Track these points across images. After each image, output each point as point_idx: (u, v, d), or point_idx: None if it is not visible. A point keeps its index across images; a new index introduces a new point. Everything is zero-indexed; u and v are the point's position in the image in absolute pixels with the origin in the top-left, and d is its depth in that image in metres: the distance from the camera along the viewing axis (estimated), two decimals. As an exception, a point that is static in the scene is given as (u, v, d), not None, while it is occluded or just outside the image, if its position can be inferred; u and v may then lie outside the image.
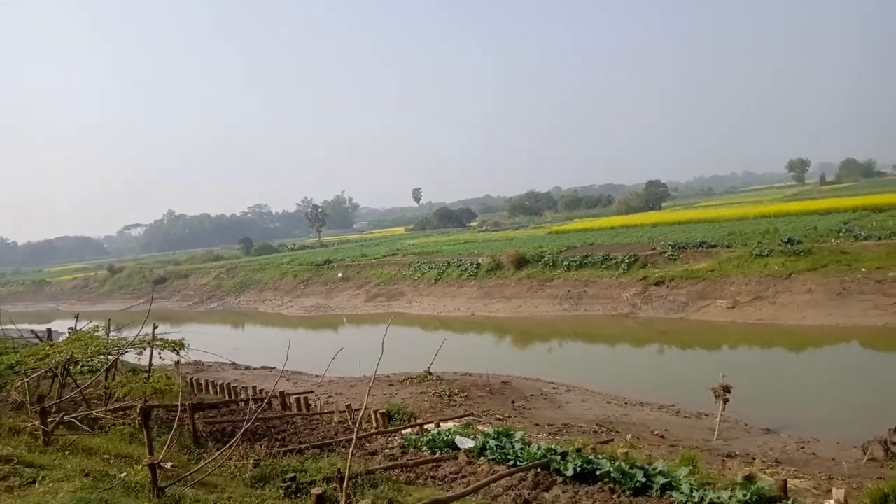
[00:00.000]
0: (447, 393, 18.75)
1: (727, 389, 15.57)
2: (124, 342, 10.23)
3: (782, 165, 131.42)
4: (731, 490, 7.41)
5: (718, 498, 7.29)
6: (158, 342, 9.92)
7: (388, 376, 21.97)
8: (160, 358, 11.24)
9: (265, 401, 14.66)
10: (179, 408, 8.73)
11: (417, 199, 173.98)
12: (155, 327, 10.30)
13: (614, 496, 7.87)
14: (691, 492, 7.49)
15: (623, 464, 8.25)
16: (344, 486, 6.75)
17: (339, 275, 51.61)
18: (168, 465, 6.85)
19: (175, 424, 7.91)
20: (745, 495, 7.26)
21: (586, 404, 18.54)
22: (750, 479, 7.80)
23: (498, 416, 16.10)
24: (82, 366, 12.70)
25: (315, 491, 7.08)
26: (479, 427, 13.15)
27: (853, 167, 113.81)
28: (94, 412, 9.05)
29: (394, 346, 30.74)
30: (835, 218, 41.86)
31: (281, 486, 7.43)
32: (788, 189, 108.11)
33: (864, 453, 13.08)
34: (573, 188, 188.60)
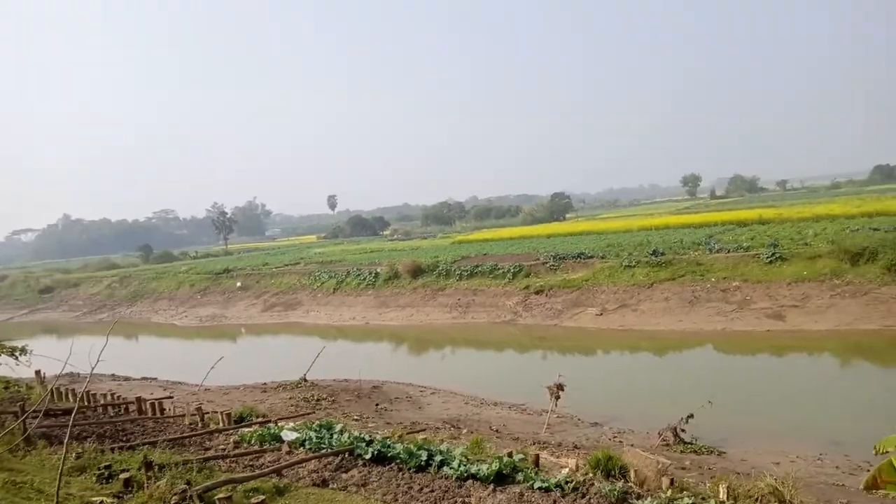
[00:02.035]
0: (315, 398, 19.88)
1: (560, 388, 17.56)
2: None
3: (684, 180, 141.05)
4: (490, 463, 9.09)
5: (478, 469, 8.95)
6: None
7: (265, 384, 22.85)
8: (15, 365, 11.81)
9: (122, 406, 15.35)
10: (21, 409, 9.53)
11: (333, 206, 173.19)
12: (-5, 336, 10.90)
13: (400, 473, 9.37)
14: (459, 466, 9.11)
15: (412, 447, 9.78)
16: (146, 472, 7.93)
17: (238, 284, 51.43)
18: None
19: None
20: (498, 465, 8.96)
21: (446, 405, 20.18)
22: (509, 454, 9.53)
23: (356, 418, 17.40)
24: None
25: (123, 476, 8.22)
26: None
27: (739, 183, 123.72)
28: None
29: (284, 355, 31.60)
30: (703, 231, 46.09)
31: (95, 474, 8.44)
32: (682, 203, 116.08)
33: (661, 439, 15.37)
34: (488, 198, 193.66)
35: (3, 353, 10.64)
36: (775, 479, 8.13)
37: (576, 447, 14.45)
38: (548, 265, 38.14)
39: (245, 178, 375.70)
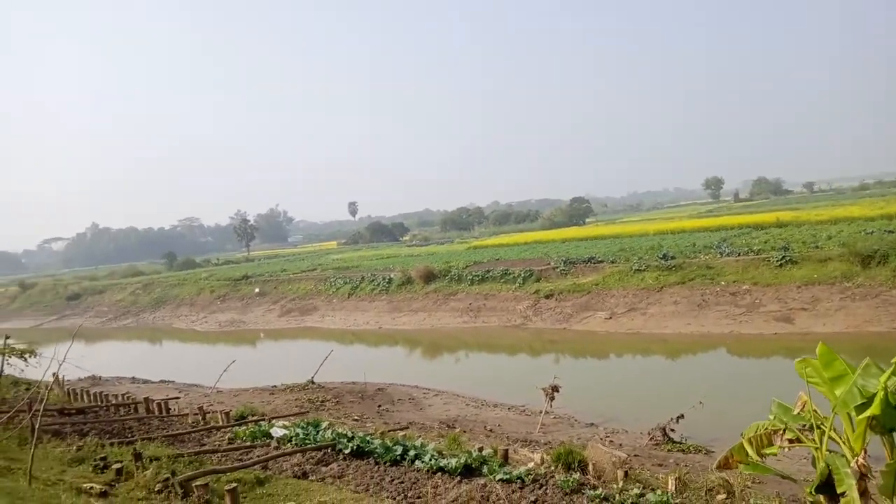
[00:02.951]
0: (319, 399, 20.57)
1: (556, 389, 18.01)
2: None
3: (706, 183, 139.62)
4: (459, 457, 9.63)
5: (447, 462, 9.50)
6: (7, 350, 11.43)
7: (275, 386, 23.61)
8: (25, 367, 12.72)
9: (132, 406, 16.22)
10: (28, 407, 10.37)
11: (353, 212, 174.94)
12: (7, 337, 11.80)
13: (377, 466, 9.98)
14: (430, 460, 9.68)
15: (389, 442, 10.38)
16: (136, 463, 8.67)
17: (256, 290, 52.62)
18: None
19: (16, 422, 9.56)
20: (467, 458, 9.51)
21: (447, 406, 20.73)
22: (479, 450, 10.07)
23: (356, 418, 18.04)
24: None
25: (115, 466, 8.96)
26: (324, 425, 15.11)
27: (764, 185, 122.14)
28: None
29: (297, 358, 32.32)
30: (719, 235, 45.91)
31: (92, 465, 9.20)
32: (704, 206, 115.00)
33: (650, 438, 15.73)
34: (509, 203, 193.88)
35: (13, 355, 11.46)
36: (727, 473, 8.53)
37: (561, 445, 14.89)
38: (558, 270, 38.47)
39: (269, 186, 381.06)
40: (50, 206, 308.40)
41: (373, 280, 46.07)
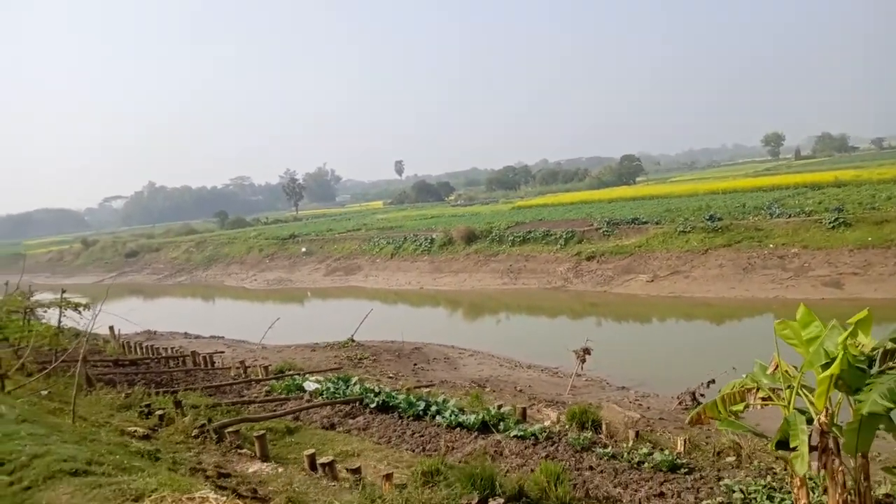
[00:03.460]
0: (357, 357, 21.40)
1: (587, 352, 18.29)
2: (35, 302, 12.71)
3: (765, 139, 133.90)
4: (478, 413, 10.10)
5: (465, 419, 9.98)
6: (64, 303, 12.39)
7: (317, 343, 24.61)
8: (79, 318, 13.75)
9: (180, 359, 17.30)
10: (83, 358, 11.30)
11: (400, 171, 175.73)
12: (63, 291, 12.76)
13: (400, 420, 10.57)
14: (450, 416, 10.18)
15: (412, 398, 10.92)
16: (176, 410, 9.41)
17: (303, 249, 54.06)
18: (44, 392, 9.45)
19: (65, 369, 10.48)
20: (486, 414, 9.97)
21: (481, 366, 21.26)
22: (498, 407, 10.50)
23: (390, 375, 18.76)
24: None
25: (158, 412, 9.76)
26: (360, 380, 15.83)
27: (828, 141, 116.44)
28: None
29: (341, 316, 33.25)
30: (772, 195, 44.46)
31: (137, 411, 10.04)
32: (763, 164, 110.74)
33: (679, 402, 15.88)
34: (558, 161, 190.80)
35: (68, 307, 12.41)
36: (737, 436, 8.71)
37: (577, 405, 15.21)
38: (601, 231, 38.17)
39: (317, 144, 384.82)
40: (110, 165, 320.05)
41: (415, 240, 46.67)
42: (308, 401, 11.81)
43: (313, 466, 7.49)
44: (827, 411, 4.35)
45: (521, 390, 17.40)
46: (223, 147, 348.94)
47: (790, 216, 33.15)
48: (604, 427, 9.45)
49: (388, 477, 6.61)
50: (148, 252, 70.35)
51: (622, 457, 8.25)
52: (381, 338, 25.81)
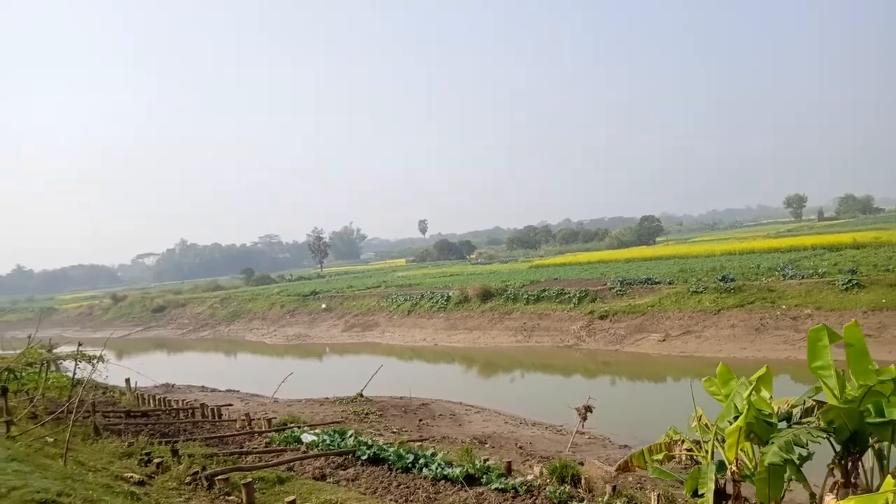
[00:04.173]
0: (364, 412, 21.59)
1: (589, 409, 18.27)
2: (53, 355, 13.38)
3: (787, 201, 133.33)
4: (464, 466, 10.29)
5: (451, 471, 10.18)
6: (79, 356, 13.02)
7: (326, 398, 24.89)
8: (92, 371, 14.40)
9: (189, 411, 17.73)
10: (92, 408, 11.85)
11: (423, 230, 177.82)
12: (80, 344, 13.41)
13: (389, 472, 10.79)
14: (436, 468, 10.39)
15: (402, 451, 11.16)
16: (173, 458, 9.82)
17: (323, 305, 54.81)
18: (50, 440, 9.94)
19: (74, 418, 10.98)
20: (471, 467, 10.17)
21: (486, 423, 21.27)
22: (486, 461, 10.68)
23: (394, 430, 18.88)
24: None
25: (156, 459, 10.17)
26: (363, 436, 16.05)
27: (851, 203, 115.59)
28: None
29: (354, 372, 33.60)
30: (789, 256, 44.24)
31: (138, 459, 10.46)
32: (785, 225, 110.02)
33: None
34: (580, 221, 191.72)
35: (82, 360, 13.04)
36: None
37: (559, 459, 15.17)
38: (614, 290, 38.25)
39: (345, 205, 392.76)
40: (144, 224, 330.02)
41: (431, 297, 47.14)
42: (304, 452, 12.10)
43: (293, 513, 7.79)
44: (738, 462, 4.62)
45: (521, 447, 17.40)
46: (254, 209, 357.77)
47: (803, 277, 32.98)
48: (583, 481, 9.58)
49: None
50: (174, 307, 71.82)
51: (596, 511, 8.38)
52: (392, 393, 25.97)
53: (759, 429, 4.60)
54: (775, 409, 4.99)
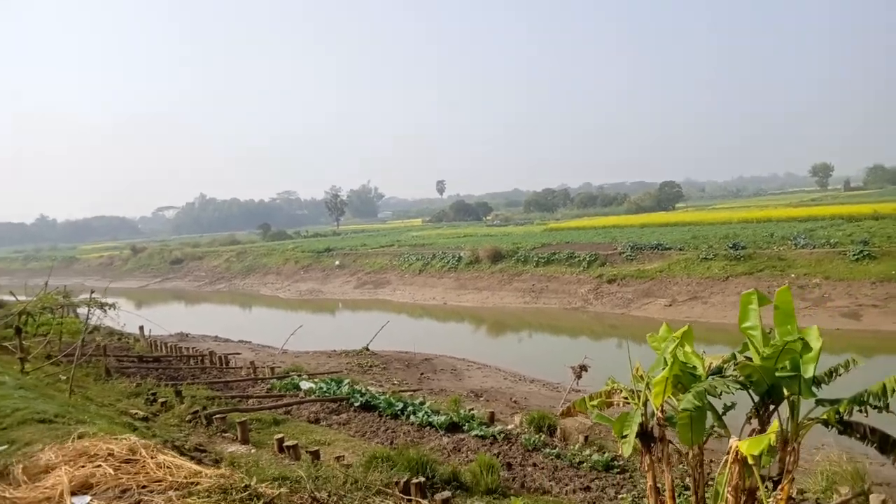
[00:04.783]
0: (368, 364, 22.43)
1: (584, 368, 18.78)
2: (69, 301, 14.15)
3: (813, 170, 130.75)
4: (449, 415, 10.93)
5: (436, 419, 10.83)
6: (93, 303, 13.78)
7: (334, 350, 25.77)
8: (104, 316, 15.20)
9: (199, 358, 18.59)
10: (104, 351, 12.61)
11: (441, 191, 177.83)
12: (92, 292, 14.16)
13: (379, 418, 11.48)
14: (423, 416, 11.04)
15: (392, 399, 11.82)
16: (176, 398, 10.53)
17: (336, 262, 55.70)
18: (63, 377, 10.71)
19: (84, 359, 11.76)
20: (456, 416, 10.80)
21: (485, 378, 21.98)
22: (470, 410, 11.31)
23: (395, 382, 19.67)
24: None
25: (161, 399, 10.91)
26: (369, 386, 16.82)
27: (880, 173, 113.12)
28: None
29: (365, 327, 34.43)
30: (805, 226, 43.89)
31: (145, 398, 11.23)
32: (810, 194, 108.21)
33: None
34: (601, 185, 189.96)
35: (95, 307, 13.77)
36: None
37: (538, 410, 15.80)
38: (625, 255, 38.45)
39: (366, 164, 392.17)
40: (167, 174, 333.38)
41: (443, 258, 47.69)
42: (301, 398, 12.83)
43: (281, 449, 8.45)
44: (662, 409, 5.11)
45: (515, 401, 18.08)
46: (274, 165, 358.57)
47: (814, 247, 32.91)
48: (559, 431, 10.16)
49: (339, 458, 7.52)
50: (192, 260, 73.29)
51: (566, 457, 8.97)
52: (398, 348, 26.77)
53: (686, 380, 5.04)
54: (707, 364, 5.43)
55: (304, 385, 13.37)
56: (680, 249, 37.16)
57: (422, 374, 22.11)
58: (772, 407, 4.97)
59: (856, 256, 30.04)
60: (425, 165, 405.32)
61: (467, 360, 25.12)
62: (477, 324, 36.40)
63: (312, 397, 12.65)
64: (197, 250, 78.50)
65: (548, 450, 9.32)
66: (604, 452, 9.05)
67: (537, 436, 9.83)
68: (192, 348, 21.42)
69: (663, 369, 5.09)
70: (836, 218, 47.29)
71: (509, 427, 10.61)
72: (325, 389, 12.99)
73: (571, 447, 9.36)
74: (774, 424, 4.61)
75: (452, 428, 10.58)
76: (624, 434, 5.00)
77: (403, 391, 14.54)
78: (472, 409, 11.38)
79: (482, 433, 10.05)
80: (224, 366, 17.43)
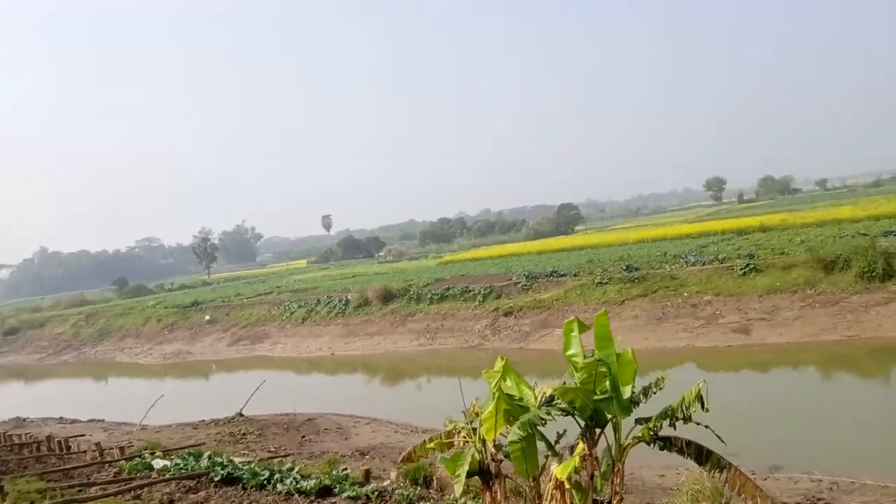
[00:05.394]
0: (241, 432, 21.96)
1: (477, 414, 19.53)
2: None
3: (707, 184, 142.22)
4: (320, 478, 11.11)
5: (305, 484, 10.98)
6: None
7: (202, 420, 24.96)
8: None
9: (34, 445, 17.62)
10: None
11: (328, 226, 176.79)
12: None
13: (243, 491, 11.45)
14: (290, 482, 11.15)
15: (257, 468, 11.85)
16: (1, 496, 10.08)
17: (206, 317, 53.93)
18: None
19: None
20: (327, 479, 11.00)
21: (374, 434, 22.18)
22: (343, 470, 11.56)
23: (272, 450, 19.43)
24: None
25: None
26: (234, 457, 16.54)
27: (770, 184, 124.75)
28: None
29: (239, 390, 33.43)
30: (697, 242, 47.69)
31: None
32: (706, 209, 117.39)
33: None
34: (500, 211, 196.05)
35: None
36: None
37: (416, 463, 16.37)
38: (520, 285, 40.05)
39: (237, 202, 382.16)
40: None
41: (329, 302, 47.50)
42: (155, 478, 12.53)
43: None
44: (494, 443, 5.73)
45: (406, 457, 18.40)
46: (129, 209, 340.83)
47: (705, 263, 35.88)
48: (434, 482, 10.63)
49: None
50: (31, 328, 68.31)
51: (438, 509, 9.43)
52: (278, 410, 26.36)
53: (516, 412, 5.68)
54: (540, 393, 6.11)
55: (158, 464, 13.06)
56: (575, 275, 39.25)
57: (303, 436, 21.96)
58: (597, 430, 5.70)
59: (743, 271, 33.05)
60: (311, 199, 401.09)
61: (355, 416, 25.20)
62: (369, 373, 36.49)
63: (166, 476, 12.40)
64: (37, 316, 73.24)
65: (422, 503, 9.75)
66: (477, 499, 9.59)
67: (413, 489, 10.25)
68: (28, 434, 20.18)
69: (492, 404, 5.69)
70: (727, 232, 51.77)
71: (384, 483, 10.94)
72: (181, 466, 12.77)
73: (447, 497, 9.84)
74: (580, 446, 5.31)
75: (323, 492, 10.76)
76: (456, 473, 5.52)
77: (274, 458, 14.51)
78: (346, 469, 11.63)
79: (354, 494, 10.32)
80: (65, 451, 16.60)
